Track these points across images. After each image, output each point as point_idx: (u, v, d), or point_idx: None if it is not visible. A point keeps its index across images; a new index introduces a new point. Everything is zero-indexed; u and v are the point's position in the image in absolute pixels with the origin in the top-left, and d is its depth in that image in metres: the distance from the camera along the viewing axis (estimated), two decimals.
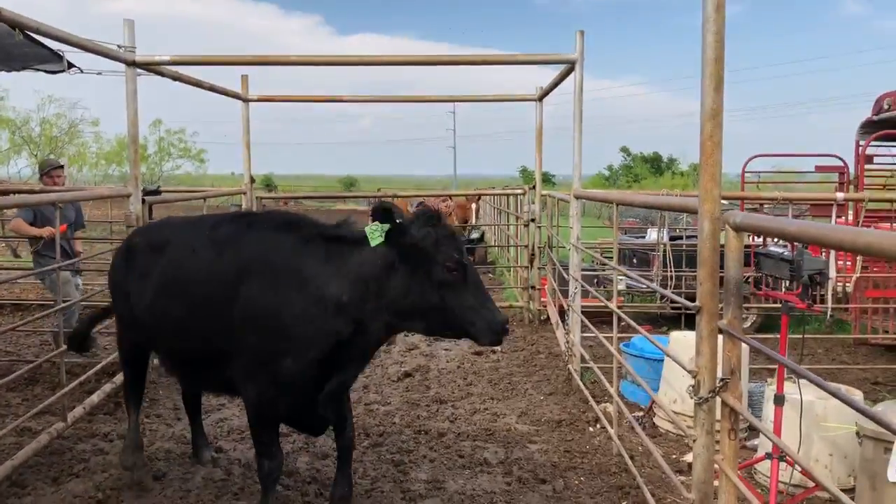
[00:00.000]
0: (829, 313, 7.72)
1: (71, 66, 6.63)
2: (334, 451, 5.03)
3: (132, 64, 6.35)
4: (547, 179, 52.09)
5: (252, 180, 9.91)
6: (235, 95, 9.43)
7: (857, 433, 4.28)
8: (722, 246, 2.88)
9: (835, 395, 2.02)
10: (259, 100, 9.71)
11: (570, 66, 6.65)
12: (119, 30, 6.35)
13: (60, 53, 6.28)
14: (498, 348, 8.14)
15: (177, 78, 7.47)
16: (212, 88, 8.52)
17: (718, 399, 2.95)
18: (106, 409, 5.83)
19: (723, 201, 2.95)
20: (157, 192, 7.28)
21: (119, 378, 6.18)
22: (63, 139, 46.26)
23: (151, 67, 6.76)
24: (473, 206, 16.58)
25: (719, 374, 2.94)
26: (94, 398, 5.72)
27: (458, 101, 11.83)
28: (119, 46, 6.26)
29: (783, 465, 4.05)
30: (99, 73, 7.18)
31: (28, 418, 4.87)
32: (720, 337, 2.94)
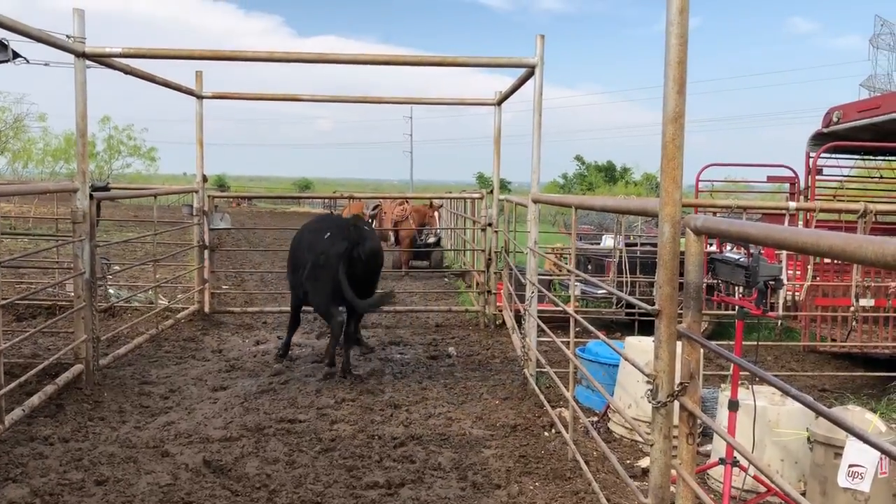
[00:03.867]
0: (780, 321, 7.85)
1: (17, 56, 6.41)
2: (284, 456, 4.95)
3: (82, 55, 6.16)
4: (503, 186, 52.26)
5: (204, 179, 9.75)
6: (189, 91, 9.24)
7: (809, 439, 4.33)
8: (681, 252, 2.88)
9: (799, 399, 2.01)
10: (214, 96, 9.54)
11: (530, 71, 6.66)
12: (69, 23, 6.16)
13: (5, 42, 6.07)
14: (454, 353, 8.09)
15: (128, 72, 7.28)
16: (165, 83, 8.34)
17: (675, 403, 2.94)
18: (47, 412, 5.63)
19: None
20: (105, 188, 7.08)
21: (61, 379, 5.99)
22: (7, 133, 44.97)
23: (102, 60, 6.57)
24: (436, 213, 16.54)
25: (678, 379, 2.93)
26: (35, 400, 5.51)
27: (417, 103, 11.78)
28: (68, 37, 6.07)
29: (736, 470, 4.07)
30: (46, 65, 7.01)
31: None
32: (678, 341, 2.93)
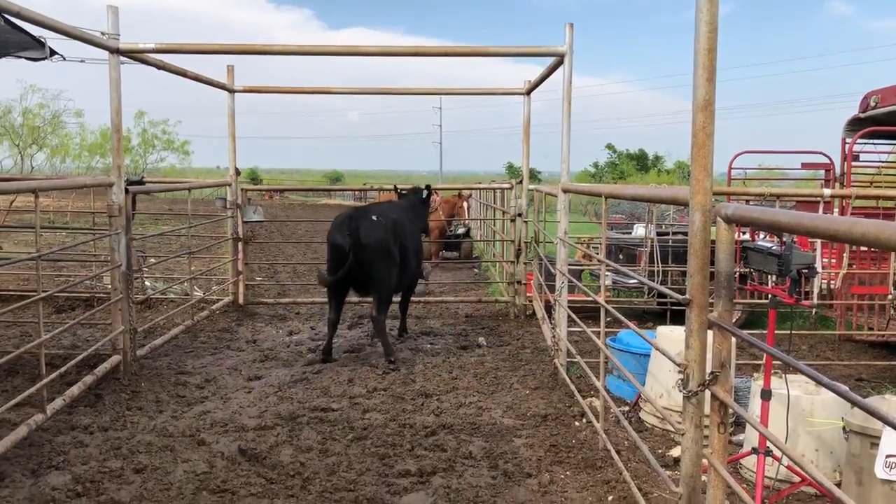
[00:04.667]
0: (814, 310, 7.74)
1: (53, 53, 6.51)
2: (318, 444, 5.00)
3: (116, 51, 6.26)
4: (533, 176, 52.23)
5: (237, 172, 9.84)
6: (221, 86, 9.34)
7: (844, 428, 4.27)
8: (713, 241, 2.85)
9: (831, 388, 1.99)
10: (245, 90, 9.63)
11: (559, 60, 6.62)
12: (103, 20, 6.25)
13: (42, 40, 6.16)
14: (484, 343, 8.10)
15: (161, 67, 7.37)
16: (197, 78, 8.43)
17: (707, 393, 2.93)
18: (86, 402, 5.75)
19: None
20: (140, 182, 7.19)
21: (99, 369, 6.12)
22: (46, 129, 45.75)
23: (135, 56, 6.67)
24: (465, 204, 16.53)
25: (708, 368, 2.91)
26: (75, 390, 5.64)
27: (445, 94, 11.78)
28: (102, 34, 6.16)
29: (769, 460, 4.04)
30: (82, 61, 7.06)
31: (7, 410, 4.79)
32: (710, 330, 2.91)
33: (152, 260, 11.86)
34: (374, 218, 7.28)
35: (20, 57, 6.91)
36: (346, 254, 7.01)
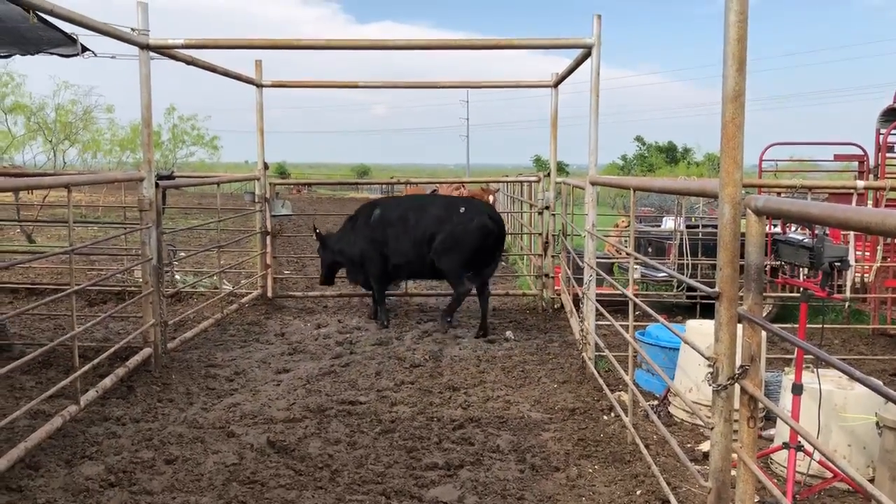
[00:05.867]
0: (847, 303, 7.63)
1: (85, 49, 6.60)
2: (346, 437, 5.04)
3: (146, 47, 6.33)
4: (561, 168, 51.80)
5: (266, 166, 9.92)
6: (249, 80, 9.41)
7: (878, 423, 4.22)
8: (742, 233, 2.83)
9: (865, 383, 1.97)
10: (273, 85, 9.69)
11: (587, 52, 6.57)
12: (133, 15, 6.33)
13: (74, 37, 6.26)
14: (512, 337, 8.10)
15: (190, 62, 7.45)
16: (226, 73, 8.51)
17: (736, 387, 2.90)
18: (119, 393, 5.85)
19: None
20: (170, 176, 7.28)
21: (131, 362, 6.22)
22: (77, 125, 46.39)
23: (165, 51, 6.74)
24: (491, 197, 16.51)
25: (738, 362, 2.89)
26: (107, 382, 5.73)
27: (472, 87, 11.76)
28: (132, 30, 6.24)
29: (800, 455, 4.00)
30: (113, 57, 7.16)
31: (41, 401, 4.89)
32: (739, 324, 2.89)
33: (182, 254, 11.99)
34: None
35: (52, 53, 7.03)
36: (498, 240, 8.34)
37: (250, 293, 9.77)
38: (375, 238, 8.45)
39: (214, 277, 10.09)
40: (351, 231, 8.82)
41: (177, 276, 10.56)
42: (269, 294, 9.85)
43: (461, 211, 8.22)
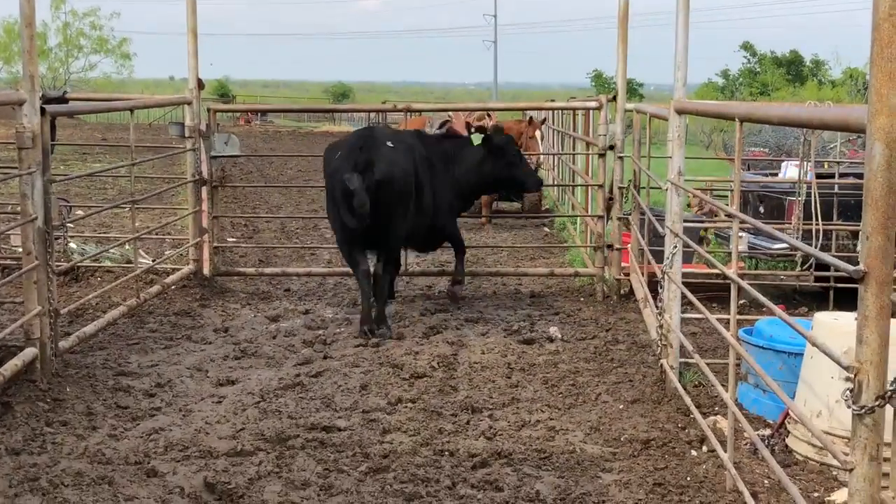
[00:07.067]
0: None
1: None
2: (318, 478, 5.08)
3: None
4: (632, 90, 51.61)
5: (200, 85, 9.86)
6: None
7: None
8: None
9: None
10: None
11: None
12: None
13: None
14: (558, 336, 8.11)
15: None
16: None
17: (889, 410, 2.90)
18: None
19: None
20: (62, 98, 7.30)
21: (6, 368, 6.25)
22: None
23: None
24: (537, 133, 16.31)
25: (892, 374, 2.89)
26: None
27: None
28: None
29: None
30: None
31: None
32: (895, 318, 2.88)
33: (80, 212, 12.04)
34: (389, 144, 8.15)
35: None
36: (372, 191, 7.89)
37: (179, 269, 9.79)
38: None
39: (127, 247, 10.10)
40: None
41: (72, 245, 10.59)
42: (207, 271, 9.87)
43: (337, 155, 8.44)
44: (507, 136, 9.93)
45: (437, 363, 7.24)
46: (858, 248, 2.96)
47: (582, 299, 9.63)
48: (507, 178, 9.66)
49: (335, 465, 5.30)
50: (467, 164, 9.37)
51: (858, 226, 2.97)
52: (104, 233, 12.25)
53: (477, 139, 9.48)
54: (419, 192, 8.56)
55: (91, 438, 5.61)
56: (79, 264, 9.80)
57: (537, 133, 16.46)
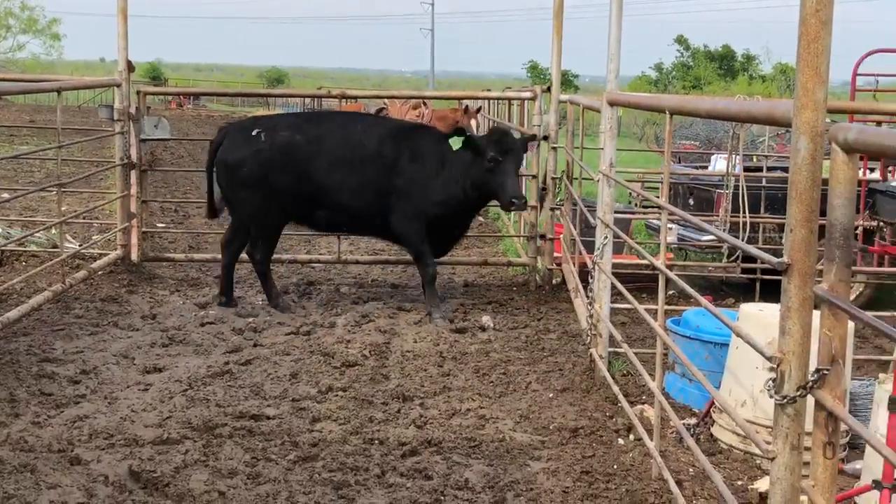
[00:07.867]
0: None
1: None
2: (245, 467, 5.05)
3: None
4: (567, 81, 51.83)
5: (130, 67, 9.75)
6: None
7: None
8: (825, 179, 2.84)
9: None
10: None
11: None
12: None
13: None
14: (490, 325, 8.13)
15: None
16: None
17: (810, 399, 2.94)
18: None
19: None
20: None
21: None
22: None
23: None
24: (473, 122, 16.33)
25: (813, 365, 2.93)
26: None
27: None
28: None
29: None
30: None
31: None
32: (816, 310, 2.92)
33: (5, 195, 11.84)
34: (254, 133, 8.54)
35: None
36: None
37: (106, 255, 9.68)
38: None
39: (53, 231, 9.95)
40: None
41: None
42: (135, 257, 9.75)
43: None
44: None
45: (369, 351, 7.23)
46: (784, 239, 3.00)
47: (514, 289, 9.66)
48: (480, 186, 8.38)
49: (263, 453, 5.27)
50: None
51: (784, 218, 3.00)
52: (30, 216, 12.06)
53: (457, 143, 8.18)
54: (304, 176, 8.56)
55: (13, 426, 5.53)
56: (3, 248, 9.66)
57: (472, 122, 16.50)
